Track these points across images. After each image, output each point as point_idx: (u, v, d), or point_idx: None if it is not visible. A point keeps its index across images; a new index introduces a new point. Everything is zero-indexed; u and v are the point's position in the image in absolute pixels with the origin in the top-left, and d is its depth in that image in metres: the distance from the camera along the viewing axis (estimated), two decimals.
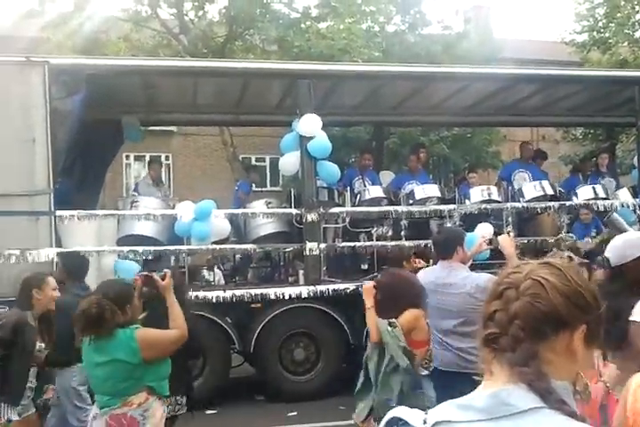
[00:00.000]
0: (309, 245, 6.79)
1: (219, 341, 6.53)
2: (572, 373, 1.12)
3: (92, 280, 5.02)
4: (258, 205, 7.61)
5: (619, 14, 15.85)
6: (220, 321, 6.51)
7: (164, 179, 12.94)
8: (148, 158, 18.37)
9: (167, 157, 19.07)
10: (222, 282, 8.31)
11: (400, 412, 1.13)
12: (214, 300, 6.43)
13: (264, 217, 7.33)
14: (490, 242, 4.09)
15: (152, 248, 6.61)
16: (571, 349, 1.09)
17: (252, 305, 6.66)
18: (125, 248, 6.44)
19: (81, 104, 6.38)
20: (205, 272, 8.69)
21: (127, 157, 18.63)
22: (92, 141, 7.66)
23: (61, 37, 13.30)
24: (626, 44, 16.11)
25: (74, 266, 5.10)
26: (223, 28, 14.68)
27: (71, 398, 4.38)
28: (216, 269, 9.65)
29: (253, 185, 9.61)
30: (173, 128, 17.47)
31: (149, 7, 14.12)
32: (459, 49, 15.15)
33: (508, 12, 51.51)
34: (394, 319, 3.51)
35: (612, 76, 8.58)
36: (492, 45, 17.11)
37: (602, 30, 16.66)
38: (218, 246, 6.98)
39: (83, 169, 7.97)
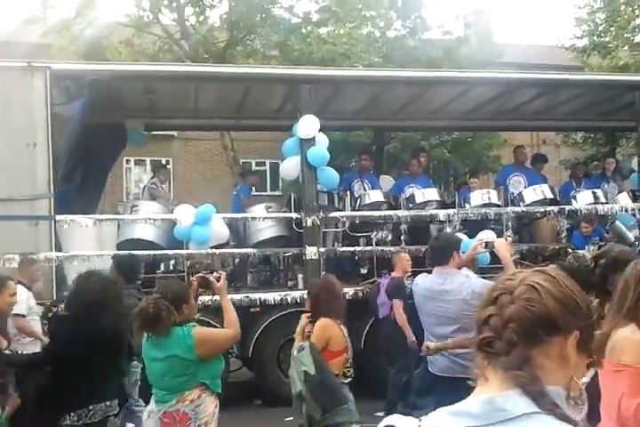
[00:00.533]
0: (309, 249, 6.79)
1: None
2: (565, 378, 1.12)
3: None
4: (258, 210, 7.63)
5: (619, 18, 15.89)
6: (218, 325, 6.50)
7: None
8: (148, 163, 18.48)
9: (168, 162, 19.09)
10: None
11: (393, 420, 1.14)
12: (212, 304, 6.40)
13: (264, 221, 7.36)
14: (486, 245, 4.08)
15: (152, 252, 6.62)
16: (564, 354, 1.10)
17: (251, 309, 6.65)
18: (125, 252, 6.45)
19: (82, 109, 6.42)
20: None
21: (128, 161, 18.68)
22: (94, 146, 7.69)
23: (63, 43, 13.36)
24: (626, 48, 16.14)
25: (127, 268, 5.21)
26: (224, 34, 14.75)
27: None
28: (215, 274, 9.67)
29: (253, 188, 9.63)
30: (174, 133, 17.53)
31: (151, 13, 14.18)
32: (459, 54, 15.19)
33: (508, 17, 51.64)
34: (306, 342, 3.66)
35: (612, 80, 8.61)
36: (493, 50, 17.17)
37: (602, 35, 16.70)
38: (217, 251, 6.98)
39: (83, 174, 7.99)
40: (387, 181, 9.01)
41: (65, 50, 13.12)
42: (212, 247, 6.92)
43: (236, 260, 8.15)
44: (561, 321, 1.09)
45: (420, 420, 1.10)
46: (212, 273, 3.56)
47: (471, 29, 17.71)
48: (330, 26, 15.18)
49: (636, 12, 16.08)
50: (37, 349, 4.62)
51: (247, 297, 6.57)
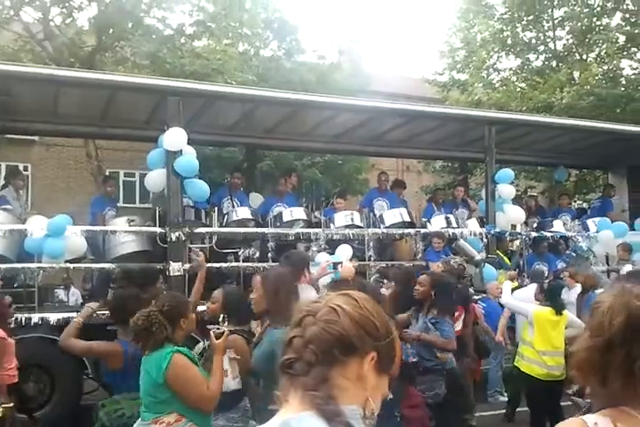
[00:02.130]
0: (173, 265, 6.63)
1: (69, 365, 6.13)
2: (361, 398, 1.14)
3: None
4: (119, 223, 7.33)
5: (475, 58, 17.37)
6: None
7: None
8: (4, 168, 17.08)
9: (26, 168, 17.82)
10: (80, 302, 7.84)
11: None
12: (60, 322, 6.01)
13: (126, 235, 7.08)
14: (333, 266, 4.30)
15: None
16: (361, 375, 1.14)
17: (108, 327, 6.33)
18: None
19: None
20: (61, 292, 8.18)
21: None
22: None
23: None
24: (481, 85, 17.67)
25: None
26: (92, 38, 14.09)
27: None
28: (74, 289, 9.09)
29: (118, 200, 9.12)
30: (35, 137, 16.39)
31: (12, 9, 13.19)
32: (332, 79, 15.75)
33: (379, 47, 54.39)
34: None
35: (465, 114, 9.26)
36: (363, 78, 18.01)
37: (461, 70, 18.19)
38: (71, 265, 6.60)
39: None
40: (256, 199, 9.08)
41: None
42: (67, 261, 6.53)
43: (95, 275, 7.74)
44: (357, 342, 1.13)
45: None
46: (217, 328, 3.29)
47: (344, 57, 18.50)
48: (205, 40, 15.10)
49: (491, 53, 17.71)
50: None
51: (104, 314, 6.25)
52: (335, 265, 4.29)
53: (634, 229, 9.23)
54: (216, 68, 13.33)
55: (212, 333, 3.17)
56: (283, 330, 2.35)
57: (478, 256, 7.56)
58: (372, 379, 1.15)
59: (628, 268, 7.55)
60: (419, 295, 4.79)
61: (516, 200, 9.40)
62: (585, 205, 17.30)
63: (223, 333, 3.15)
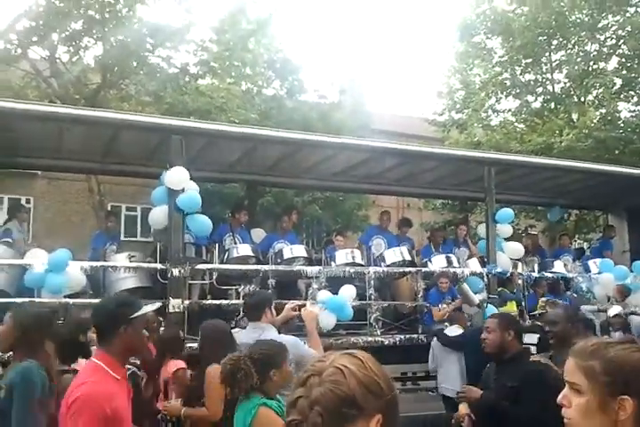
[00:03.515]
0: (173, 301, 6.58)
1: None
2: None
3: None
4: (120, 258, 7.31)
5: (474, 99, 17.68)
6: None
7: None
8: (6, 200, 17.15)
9: (28, 201, 17.90)
10: None
11: None
12: None
13: (126, 271, 7.06)
14: (298, 309, 4.28)
15: None
16: None
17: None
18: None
19: None
20: None
21: None
22: None
23: None
24: (480, 126, 17.93)
25: None
26: (97, 76, 14.36)
27: None
28: None
29: (120, 234, 9.15)
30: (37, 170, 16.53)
31: (19, 47, 13.49)
32: (333, 117, 15.99)
33: (380, 87, 55.42)
34: None
35: (465, 156, 9.30)
36: (364, 116, 18.27)
37: (460, 110, 18.48)
38: (71, 300, 6.55)
39: None
40: (259, 234, 9.09)
41: None
42: (65, 296, 6.49)
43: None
44: (363, 402, 1.12)
45: None
46: None
47: (345, 96, 18.81)
48: (209, 79, 15.38)
49: (490, 95, 18.03)
50: None
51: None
52: (298, 308, 4.26)
53: (631, 271, 9.18)
54: (219, 106, 13.55)
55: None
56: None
57: (477, 301, 7.49)
58: None
59: (615, 309, 7.54)
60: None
61: (515, 239, 9.41)
62: (585, 244, 17.31)
63: None
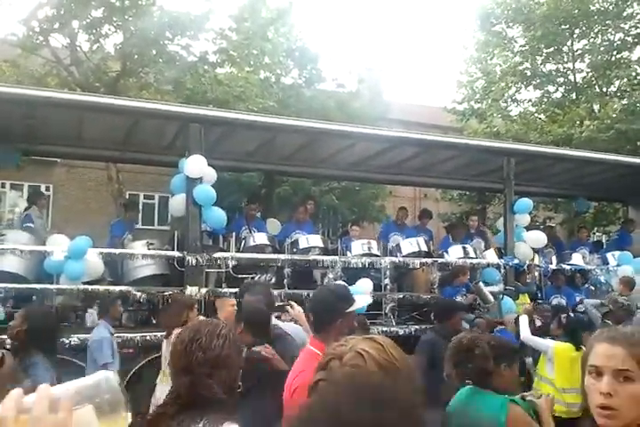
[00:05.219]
0: (190, 289, 6.64)
1: None
2: None
3: None
4: (138, 246, 7.39)
5: (494, 88, 17.46)
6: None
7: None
8: (26, 188, 17.40)
9: (48, 188, 18.15)
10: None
11: None
12: (77, 343, 6.05)
13: (144, 258, 7.14)
14: (290, 306, 4.09)
15: (16, 286, 6.20)
16: None
17: (124, 350, 6.35)
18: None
19: None
20: (80, 313, 8.21)
21: (3, 184, 17.52)
22: None
23: None
24: (499, 116, 17.72)
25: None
26: (117, 64, 14.44)
27: None
28: (90, 310, 9.12)
29: (138, 223, 9.24)
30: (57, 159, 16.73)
31: (41, 35, 13.60)
32: (351, 106, 15.92)
33: (398, 76, 54.99)
34: None
35: (484, 146, 9.19)
36: (382, 106, 18.17)
37: (479, 101, 18.27)
38: (90, 287, 6.64)
39: None
40: (273, 225, 9.11)
41: None
42: (84, 283, 6.59)
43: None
44: None
45: None
46: None
47: (363, 85, 18.70)
48: (227, 67, 15.37)
49: (510, 84, 17.80)
50: None
51: (119, 337, 6.27)
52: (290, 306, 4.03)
53: None
54: (237, 95, 13.55)
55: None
56: None
57: (492, 300, 7.38)
58: None
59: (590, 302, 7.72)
60: None
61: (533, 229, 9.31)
62: (604, 237, 17.11)
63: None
